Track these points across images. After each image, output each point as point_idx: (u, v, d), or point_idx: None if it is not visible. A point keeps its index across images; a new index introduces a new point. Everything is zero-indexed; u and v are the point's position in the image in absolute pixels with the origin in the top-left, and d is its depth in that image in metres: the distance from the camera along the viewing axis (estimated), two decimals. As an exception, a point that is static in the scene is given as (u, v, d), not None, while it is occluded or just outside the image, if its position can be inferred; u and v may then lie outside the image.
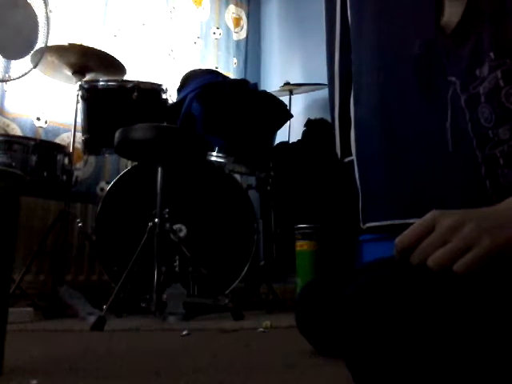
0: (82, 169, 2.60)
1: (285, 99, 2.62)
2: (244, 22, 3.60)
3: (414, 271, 0.49)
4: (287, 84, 2.75)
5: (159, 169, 1.93)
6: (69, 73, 2.27)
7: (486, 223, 0.47)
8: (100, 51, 2.28)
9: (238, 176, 2.51)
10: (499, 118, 0.66)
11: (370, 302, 0.49)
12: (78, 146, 2.32)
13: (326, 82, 2.70)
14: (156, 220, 1.86)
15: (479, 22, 0.69)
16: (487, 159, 0.68)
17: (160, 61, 3.02)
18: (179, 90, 2.42)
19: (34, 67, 1.93)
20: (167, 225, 1.88)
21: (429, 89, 0.82)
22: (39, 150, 1.96)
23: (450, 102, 0.75)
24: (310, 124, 2.70)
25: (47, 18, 1.92)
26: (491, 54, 0.66)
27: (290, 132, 2.73)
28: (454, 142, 0.77)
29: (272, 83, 3.24)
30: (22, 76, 1.91)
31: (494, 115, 0.66)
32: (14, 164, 1.85)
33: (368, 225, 2.19)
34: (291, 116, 2.51)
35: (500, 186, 0.67)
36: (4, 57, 1.86)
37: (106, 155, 2.48)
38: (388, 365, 0.47)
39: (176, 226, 2.07)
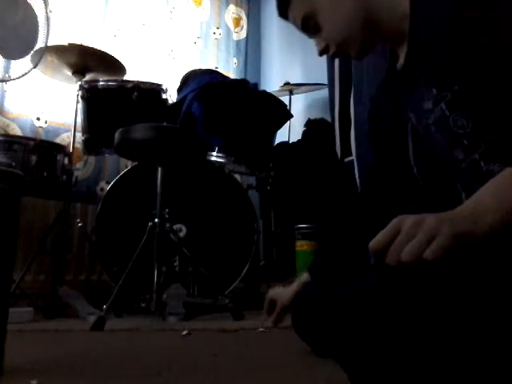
0: (82, 169, 2.60)
1: (285, 99, 2.61)
2: (244, 21, 3.60)
3: (395, 272, 0.53)
4: (287, 84, 2.75)
5: (159, 169, 1.93)
6: (69, 73, 2.27)
7: (445, 216, 0.52)
8: (100, 51, 2.28)
9: (238, 176, 2.51)
10: (451, 142, 0.76)
11: (360, 305, 0.52)
12: (78, 146, 2.32)
13: (325, 82, 2.71)
14: (156, 220, 1.86)
15: (423, 63, 0.80)
16: (456, 175, 0.78)
17: (160, 61, 3.02)
18: (179, 90, 2.42)
19: (34, 67, 1.93)
20: (167, 225, 1.88)
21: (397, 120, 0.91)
22: (39, 149, 1.96)
23: (411, 132, 0.86)
24: (310, 124, 2.70)
25: (47, 18, 1.92)
26: (434, 90, 0.77)
27: (290, 132, 2.73)
28: (418, 164, 0.88)
29: (272, 83, 3.24)
30: (22, 76, 1.91)
31: (445, 141, 0.77)
32: (13, 164, 1.85)
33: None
34: (291, 116, 2.51)
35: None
36: (4, 57, 1.86)
37: (106, 155, 2.48)
38: (381, 364, 0.49)
39: (176, 226, 2.06)
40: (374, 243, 0.54)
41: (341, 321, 0.53)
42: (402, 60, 0.86)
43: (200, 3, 3.35)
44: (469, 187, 0.75)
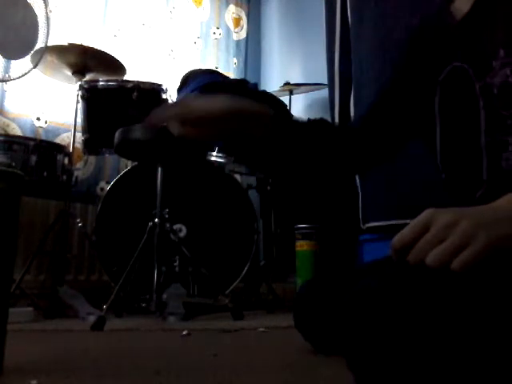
0: (82, 169, 2.59)
1: (285, 99, 2.61)
2: (244, 21, 3.60)
3: (413, 271, 0.49)
4: (287, 84, 2.75)
5: (159, 169, 1.93)
6: (69, 73, 2.27)
7: (482, 220, 0.48)
8: (100, 51, 2.28)
9: (238, 176, 2.51)
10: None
11: (372, 304, 0.49)
12: (78, 146, 2.31)
13: (326, 81, 2.71)
14: (156, 220, 1.86)
15: (492, 17, 0.71)
16: (493, 144, 0.69)
17: (160, 61, 3.02)
18: (179, 90, 2.41)
19: (34, 67, 1.93)
20: (167, 225, 1.88)
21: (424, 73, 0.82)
22: (39, 149, 1.96)
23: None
24: (309, 124, 2.69)
25: (47, 18, 1.92)
26: (501, 51, 0.68)
27: (290, 132, 2.72)
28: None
29: (272, 83, 3.24)
30: (22, 76, 1.91)
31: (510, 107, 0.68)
32: (13, 164, 1.85)
33: (368, 225, 2.20)
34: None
35: (500, 171, 0.68)
36: (4, 57, 1.86)
37: (106, 155, 2.48)
38: (390, 365, 0.47)
39: (176, 226, 2.06)
40: (397, 240, 0.50)
41: (351, 320, 0.50)
42: (463, 8, 0.76)
43: (200, 3, 3.35)
44: (499, 157, 0.67)
